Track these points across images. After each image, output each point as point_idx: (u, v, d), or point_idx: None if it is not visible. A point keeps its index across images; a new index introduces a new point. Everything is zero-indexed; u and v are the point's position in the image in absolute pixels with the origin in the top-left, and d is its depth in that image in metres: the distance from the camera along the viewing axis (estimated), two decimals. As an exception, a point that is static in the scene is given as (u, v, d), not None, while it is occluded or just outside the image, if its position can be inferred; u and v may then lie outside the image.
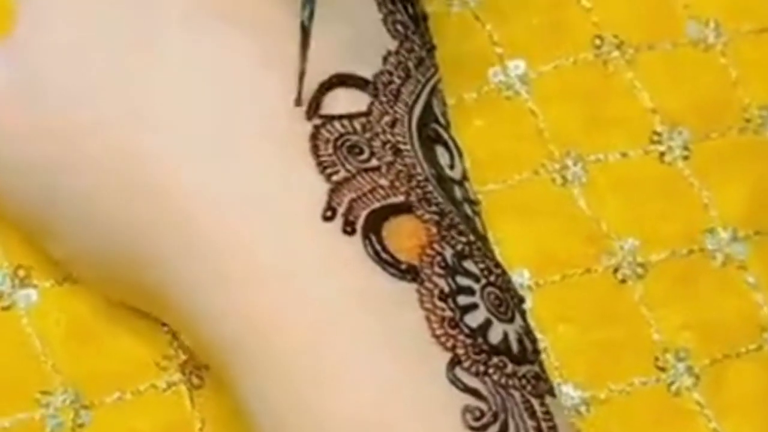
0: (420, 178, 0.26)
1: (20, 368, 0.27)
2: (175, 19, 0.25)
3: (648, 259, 0.31)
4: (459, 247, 0.25)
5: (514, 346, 0.25)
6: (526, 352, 0.26)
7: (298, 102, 0.25)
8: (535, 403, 0.25)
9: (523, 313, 0.27)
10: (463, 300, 0.25)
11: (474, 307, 0.25)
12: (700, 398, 0.30)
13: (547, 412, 0.25)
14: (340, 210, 0.24)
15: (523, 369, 0.25)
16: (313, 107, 0.25)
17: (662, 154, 0.33)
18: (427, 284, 0.25)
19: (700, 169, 0.33)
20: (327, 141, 0.25)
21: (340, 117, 0.25)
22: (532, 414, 0.25)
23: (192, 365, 0.28)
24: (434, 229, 0.25)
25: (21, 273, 0.28)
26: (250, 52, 0.25)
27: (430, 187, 0.26)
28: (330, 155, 0.25)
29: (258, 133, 0.25)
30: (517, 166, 0.32)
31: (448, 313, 0.24)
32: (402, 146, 0.26)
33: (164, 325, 0.28)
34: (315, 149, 0.25)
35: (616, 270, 0.31)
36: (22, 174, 0.25)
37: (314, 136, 0.25)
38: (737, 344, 0.31)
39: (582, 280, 0.31)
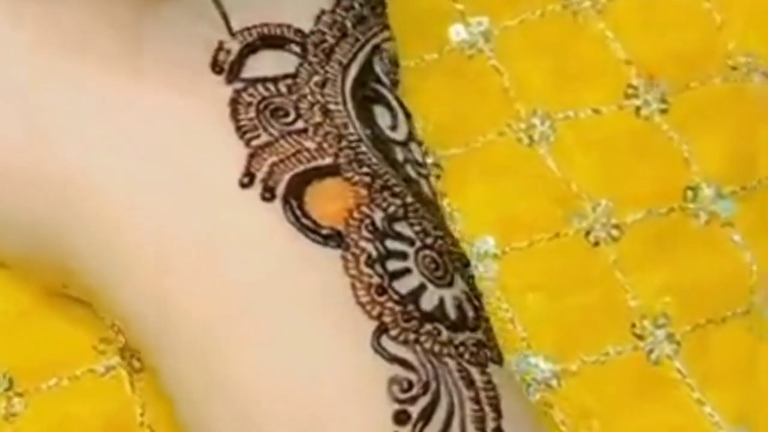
0: (351, 138, 0.24)
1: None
2: None
3: (623, 221, 0.29)
4: (391, 209, 0.24)
5: (452, 313, 0.23)
6: (467, 318, 0.24)
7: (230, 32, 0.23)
8: (474, 371, 0.23)
9: (468, 277, 0.25)
10: (393, 265, 0.23)
11: (406, 271, 0.23)
12: (682, 366, 0.28)
13: (489, 381, 0.23)
14: (260, 175, 0.23)
15: (462, 336, 0.23)
16: (234, 71, 0.24)
17: (638, 108, 0.30)
18: (354, 249, 0.23)
19: (680, 122, 0.30)
20: (249, 105, 0.23)
21: (264, 80, 0.24)
22: (470, 383, 0.23)
23: (131, 349, 0.26)
24: (364, 191, 0.23)
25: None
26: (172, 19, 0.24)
27: (363, 148, 0.24)
28: (251, 119, 0.23)
29: (171, 98, 0.23)
30: (481, 128, 0.30)
31: (376, 279, 0.23)
32: (332, 107, 0.24)
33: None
34: (234, 113, 0.23)
35: (587, 233, 0.29)
36: None
37: (234, 101, 0.23)
38: (722, 308, 0.28)
39: (551, 245, 0.29)
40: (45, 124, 0.23)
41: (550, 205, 0.29)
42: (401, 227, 0.24)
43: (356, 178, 0.24)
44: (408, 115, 0.27)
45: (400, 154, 0.25)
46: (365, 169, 0.24)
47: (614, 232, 0.29)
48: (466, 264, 0.25)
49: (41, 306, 0.26)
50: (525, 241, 0.29)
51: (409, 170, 0.25)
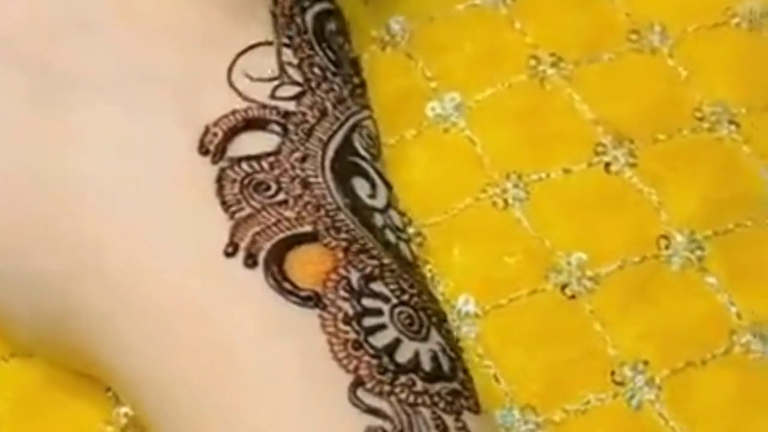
0: (330, 207, 0.26)
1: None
2: (85, 82, 0.26)
3: (597, 272, 0.29)
4: (368, 270, 0.25)
5: (427, 364, 0.24)
6: (441, 369, 0.24)
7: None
8: (449, 419, 0.24)
9: (444, 331, 0.26)
10: (369, 321, 0.24)
11: (381, 327, 0.24)
12: (665, 411, 0.28)
13: (463, 428, 0.24)
14: (243, 244, 0.24)
15: (437, 386, 0.24)
16: (220, 151, 0.25)
17: (607, 164, 0.31)
18: (331, 309, 0.24)
19: (649, 174, 0.30)
20: (233, 181, 0.25)
21: (248, 158, 0.25)
22: (444, 431, 0.23)
23: (132, 428, 0.28)
24: (341, 255, 0.25)
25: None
26: (163, 110, 0.26)
27: (342, 216, 0.26)
28: (235, 194, 0.25)
29: (167, 180, 0.25)
30: (458, 195, 0.30)
31: (352, 335, 0.24)
32: (312, 179, 0.26)
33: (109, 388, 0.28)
34: (220, 190, 0.25)
35: (564, 287, 0.29)
36: None
37: (220, 178, 0.25)
38: (702, 350, 0.28)
39: (529, 301, 0.29)
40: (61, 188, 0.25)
41: (526, 263, 0.29)
42: (377, 286, 0.25)
43: (333, 243, 0.25)
44: (388, 185, 0.28)
45: (379, 220, 0.27)
46: (342, 235, 0.25)
47: (589, 284, 0.29)
48: (443, 319, 0.26)
49: (53, 388, 0.28)
50: (504, 299, 0.29)
51: (389, 235, 0.27)
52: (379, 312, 0.24)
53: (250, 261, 0.24)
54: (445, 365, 0.24)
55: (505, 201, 0.30)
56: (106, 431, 0.27)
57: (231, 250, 0.24)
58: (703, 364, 0.28)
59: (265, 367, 0.23)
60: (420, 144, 0.31)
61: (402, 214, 0.29)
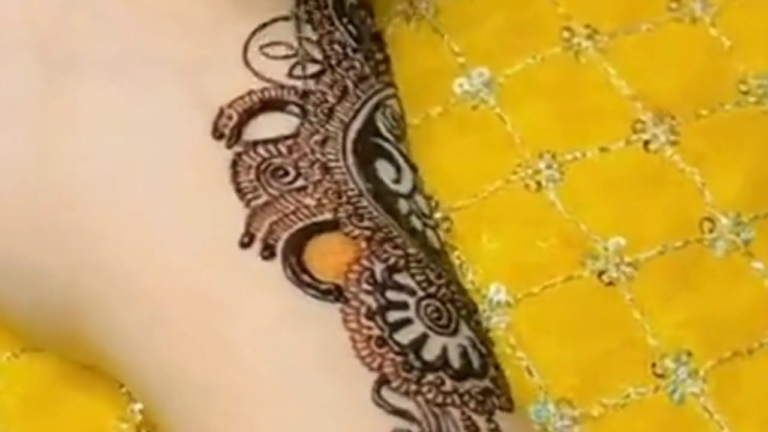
0: (351, 193, 0.24)
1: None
2: (90, 65, 0.24)
3: (636, 258, 0.28)
4: (392, 260, 0.23)
5: (456, 361, 0.22)
6: (472, 366, 0.23)
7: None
8: (480, 420, 0.22)
9: (473, 323, 0.24)
10: (393, 316, 0.22)
11: (407, 322, 0.23)
12: (709, 404, 0.26)
13: (495, 429, 0.22)
14: (259, 234, 0.23)
15: (467, 385, 0.22)
16: (235, 135, 0.24)
17: (647, 142, 0.29)
18: (353, 302, 0.22)
19: (692, 153, 0.29)
20: (249, 167, 0.23)
21: (265, 141, 0.24)
22: None
23: (147, 427, 0.26)
24: (363, 245, 0.23)
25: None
26: (170, 92, 0.24)
27: (364, 202, 0.24)
28: (251, 181, 0.23)
29: (176, 165, 0.23)
30: (488, 178, 0.29)
31: (376, 332, 0.22)
32: (332, 164, 0.24)
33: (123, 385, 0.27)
34: (235, 176, 0.23)
35: (601, 273, 0.28)
36: None
37: (235, 163, 0.23)
38: (748, 339, 0.27)
39: (564, 289, 0.27)
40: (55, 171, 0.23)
41: (561, 248, 0.28)
42: (402, 278, 0.23)
43: (356, 231, 0.23)
44: (414, 169, 0.26)
45: (404, 206, 0.25)
46: (365, 223, 0.23)
47: (628, 271, 0.27)
48: (473, 311, 0.24)
49: (65, 384, 0.26)
50: (537, 286, 0.27)
51: (414, 222, 0.25)
52: (404, 305, 0.23)
53: (267, 252, 0.23)
54: (476, 361, 0.23)
55: (538, 183, 0.28)
56: (121, 428, 0.26)
57: (247, 241, 0.23)
58: (750, 354, 0.26)
59: (280, 360, 0.22)
60: (447, 123, 0.29)
61: (428, 198, 0.28)
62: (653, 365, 0.26)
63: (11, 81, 0.24)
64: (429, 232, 0.25)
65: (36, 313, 0.24)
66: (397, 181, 0.25)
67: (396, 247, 0.24)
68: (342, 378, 0.22)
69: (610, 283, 0.27)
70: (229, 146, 0.24)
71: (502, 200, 0.28)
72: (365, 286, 0.23)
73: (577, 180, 0.28)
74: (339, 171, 0.24)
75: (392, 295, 0.23)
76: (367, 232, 0.23)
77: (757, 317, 0.27)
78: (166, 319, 0.22)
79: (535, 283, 0.27)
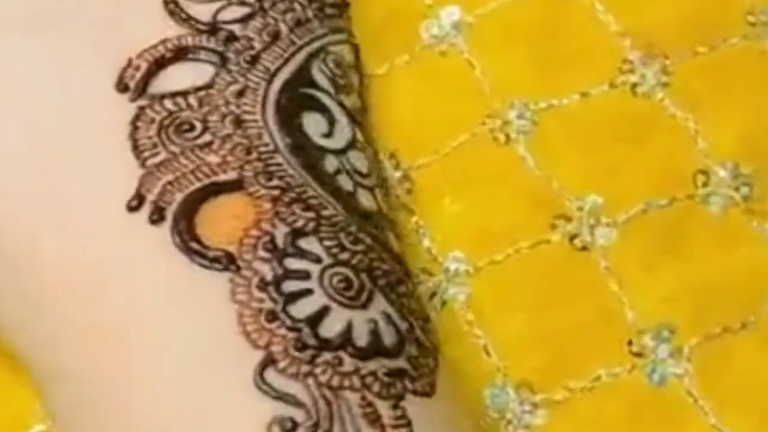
0: (264, 149, 0.21)
1: None
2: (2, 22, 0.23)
3: (614, 219, 0.24)
4: (299, 223, 0.20)
5: (362, 338, 0.20)
6: (381, 342, 0.20)
7: None
8: (383, 405, 0.19)
9: (396, 295, 0.21)
10: (290, 286, 0.20)
11: (306, 293, 0.20)
12: (693, 387, 0.23)
13: (401, 417, 0.19)
14: (150, 197, 0.20)
15: (372, 365, 0.19)
16: (140, 88, 0.22)
17: (634, 85, 0.25)
18: (245, 272, 0.20)
19: (685, 96, 0.25)
20: (151, 122, 0.21)
21: (174, 94, 0.21)
22: (374, 420, 0.19)
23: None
24: (267, 206, 0.20)
25: None
26: (81, 46, 0.22)
27: (278, 159, 0.21)
28: (150, 137, 0.21)
29: (82, 125, 0.21)
30: (452, 130, 0.25)
31: (267, 304, 0.19)
32: (247, 116, 0.22)
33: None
34: (134, 132, 0.21)
35: (573, 237, 0.24)
36: None
37: (136, 118, 0.21)
38: (743, 311, 0.23)
39: (531, 256, 0.24)
40: None
41: (528, 209, 0.24)
42: (307, 243, 0.20)
43: (261, 192, 0.21)
44: (356, 123, 0.24)
45: (332, 164, 0.22)
46: (274, 182, 0.21)
47: (605, 233, 0.24)
48: (399, 281, 0.22)
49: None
50: (501, 254, 0.24)
51: (342, 181, 0.22)
52: (305, 275, 0.20)
53: (156, 216, 0.20)
54: (388, 338, 0.20)
55: (507, 135, 0.25)
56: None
57: (135, 204, 0.20)
58: (744, 329, 0.23)
59: (159, 340, 0.20)
60: (412, 71, 0.26)
61: (391, 156, 0.25)
62: (629, 343, 0.23)
63: None
64: (361, 193, 0.22)
65: None
66: (327, 135, 0.23)
67: (307, 208, 0.21)
68: (223, 359, 0.19)
69: (584, 248, 0.24)
70: (132, 100, 0.21)
71: (467, 156, 0.25)
72: (261, 253, 0.20)
73: (550, 130, 0.25)
74: (253, 124, 0.22)
75: (292, 262, 0.20)
76: (275, 192, 0.21)
77: (755, 286, 0.23)
78: (52, 306, 0.20)
79: (499, 250, 0.24)
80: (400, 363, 0.20)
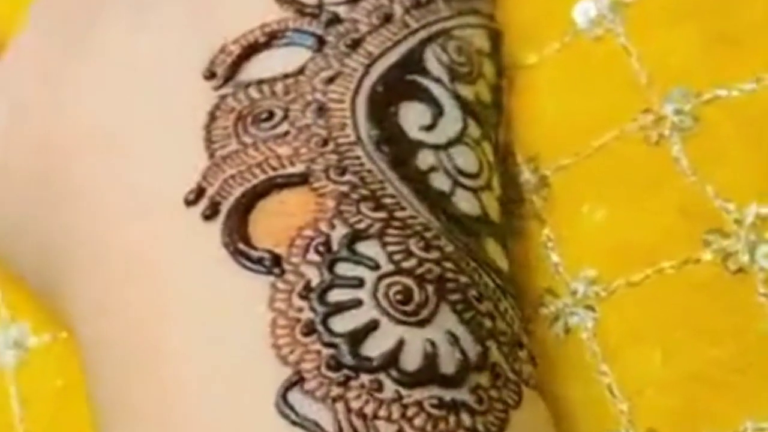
0: (343, 141, 0.19)
1: None
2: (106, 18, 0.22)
3: (783, 233, 0.19)
4: (363, 224, 0.18)
5: (412, 360, 0.17)
6: (436, 368, 0.17)
7: None
8: None
9: (472, 313, 0.18)
10: (337, 295, 0.17)
11: (354, 304, 0.17)
12: None
13: None
14: (210, 190, 0.19)
15: (420, 393, 0.16)
16: (227, 75, 0.20)
17: (824, 68, 0.20)
18: (289, 276, 0.17)
19: None
20: (231, 111, 0.19)
21: (260, 82, 0.20)
22: None
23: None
24: (330, 203, 0.18)
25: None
26: (179, 27, 0.21)
27: (357, 152, 0.19)
28: (225, 128, 0.19)
29: (165, 111, 0.20)
30: (598, 129, 0.22)
31: (306, 315, 0.17)
32: (333, 104, 0.19)
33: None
34: (210, 122, 0.19)
35: (727, 256, 0.19)
36: None
37: (216, 108, 0.20)
38: None
39: (675, 278, 0.20)
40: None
41: (676, 221, 0.20)
42: (367, 247, 0.18)
43: (329, 187, 0.18)
44: (473, 117, 0.21)
45: (426, 158, 0.19)
46: (346, 177, 0.18)
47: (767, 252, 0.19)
48: (480, 295, 0.18)
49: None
50: (639, 273, 0.20)
51: (435, 180, 0.19)
52: (357, 283, 0.17)
53: (209, 211, 0.18)
54: (449, 363, 0.17)
55: (660, 134, 0.21)
56: None
57: (192, 198, 0.19)
58: None
59: (191, 349, 0.18)
60: (561, 61, 0.23)
61: (531, 159, 0.22)
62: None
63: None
64: (460, 194, 0.19)
65: (24, 264, 0.22)
66: (429, 128, 0.20)
67: (378, 208, 0.18)
68: (248, 373, 0.17)
69: (740, 270, 0.19)
70: (216, 88, 0.20)
71: (612, 157, 0.21)
72: (311, 256, 0.17)
73: (712, 126, 0.20)
74: (338, 113, 0.19)
75: (344, 268, 0.17)
76: (344, 188, 0.18)
77: None
78: (102, 279, 0.19)
79: (638, 269, 0.20)
80: (461, 394, 0.17)
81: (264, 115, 0.19)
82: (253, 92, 0.19)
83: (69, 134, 0.21)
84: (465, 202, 0.19)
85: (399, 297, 0.17)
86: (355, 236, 0.18)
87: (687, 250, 0.20)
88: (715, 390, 0.18)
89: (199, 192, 0.19)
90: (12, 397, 0.24)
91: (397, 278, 0.17)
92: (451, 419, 0.16)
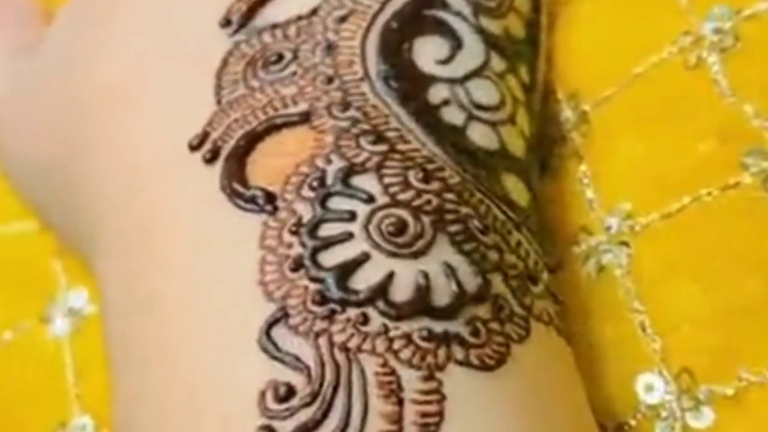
0: (348, 78, 0.18)
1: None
2: None
3: (828, 150, 0.17)
4: (360, 158, 0.17)
5: (402, 292, 0.16)
6: (427, 300, 0.16)
7: None
8: (410, 376, 0.15)
9: (474, 245, 0.17)
10: (328, 229, 0.17)
11: (345, 238, 0.17)
12: None
13: (434, 391, 0.15)
14: (214, 135, 0.19)
15: (408, 325, 0.16)
16: (242, 22, 0.20)
17: None
18: (282, 214, 0.17)
19: None
20: (242, 57, 0.19)
21: (274, 26, 0.20)
22: (392, 392, 0.15)
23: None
24: (328, 139, 0.18)
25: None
26: None
27: (364, 88, 0.18)
28: (235, 74, 0.19)
29: (180, 60, 0.20)
30: (639, 55, 0.20)
31: (296, 250, 0.16)
32: (342, 42, 0.19)
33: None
34: (222, 68, 0.19)
35: (767, 178, 0.18)
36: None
37: (229, 54, 0.19)
38: None
39: (713, 205, 0.18)
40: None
41: (714, 145, 0.19)
42: (362, 180, 0.17)
43: (329, 123, 0.18)
44: (497, 49, 0.20)
45: (438, 92, 0.19)
46: (348, 113, 0.18)
47: (813, 172, 0.17)
48: (486, 227, 0.17)
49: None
50: (676, 203, 0.19)
51: (447, 113, 0.19)
52: (349, 216, 0.17)
53: (210, 155, 0.18)
54: (442, 295, 0.16)
55: (698, 56, 0.19)
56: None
57: (196, 143, 0.18)
58: None
59: (186, 301, 0.17)
60: (601, -9, 0.21)
61: (572, 96, 0.21)
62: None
63: None
64: (474, 127, 0.19)
65: (52, 206, 0.22)
66: (445, 61, 0.19)
67: (379, 141, 0.17)
68: (234, 311, 0.16)
69: (781, 193, 0.17)
70: (231, 35, 0.20)
71: (651, 84, 0.20)
72: (305, 192, 0.17)
73: (753, 42, 0.19)
74: (346, 51, 0.19)
75: (337, 202, 0.17)
76: (344, 123, 0.18)
77: None
78: (113, 221, 0.19)
79: (675, 199, 0.18)
80: (454, 326, 0.16)
81: (273, 58, 0.19)
82: (266, 37, 0.19)
83: (87, 87, 0.21)
84: (480, 136, 0.18)
85: (392, 229, 0.16)
86: (351, 170, 0.17)
87: (725, 175, 0.18)
88: (756, 324, 0.17)
89: (204, 137, 0.18)
90: (67, 365, 0.24)
91: (391, 210, 0.17)
92: (441, 351, 0.15)
